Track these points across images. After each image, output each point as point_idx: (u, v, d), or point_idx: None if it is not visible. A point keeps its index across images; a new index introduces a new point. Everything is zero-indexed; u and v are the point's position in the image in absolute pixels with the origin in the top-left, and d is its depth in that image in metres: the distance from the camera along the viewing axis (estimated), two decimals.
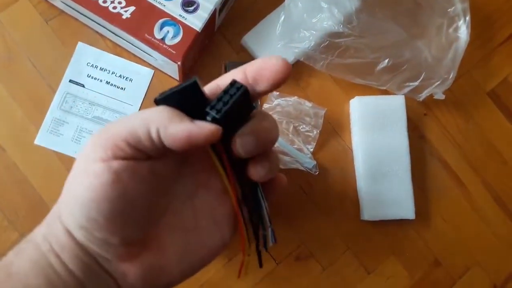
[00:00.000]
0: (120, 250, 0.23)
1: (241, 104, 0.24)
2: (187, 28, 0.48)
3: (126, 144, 0.22)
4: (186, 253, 0.26)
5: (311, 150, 0.52)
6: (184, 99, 0.23)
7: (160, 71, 0.53)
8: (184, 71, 0.50)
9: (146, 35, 0.48)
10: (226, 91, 0.23)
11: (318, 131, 0.53)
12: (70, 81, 0.52)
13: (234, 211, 0.26)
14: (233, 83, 0.24)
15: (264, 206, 0.27)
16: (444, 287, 0.53)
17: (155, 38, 0.48)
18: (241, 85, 0.24)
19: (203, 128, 0.22)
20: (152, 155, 0.23)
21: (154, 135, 0.22)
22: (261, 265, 0.28)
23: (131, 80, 0.53)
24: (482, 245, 0.54)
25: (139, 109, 0.52)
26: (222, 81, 0.25)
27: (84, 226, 0.22)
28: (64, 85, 0.52)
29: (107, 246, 0.23)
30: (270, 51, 0.53)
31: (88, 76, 0.52)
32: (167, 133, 0.22)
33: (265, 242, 0.27)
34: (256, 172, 0.25)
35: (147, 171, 0.23)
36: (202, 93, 0.24)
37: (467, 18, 0.52)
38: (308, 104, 0.53)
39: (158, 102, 0.24)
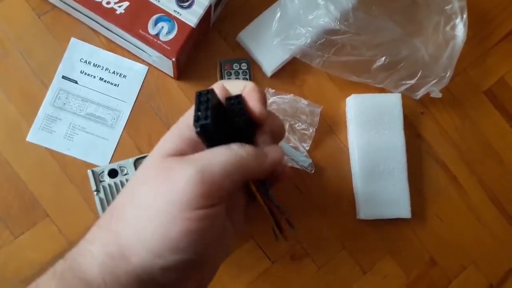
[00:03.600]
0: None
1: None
2: (182, 24, 0.47)
3: (227, 193, 0.25)
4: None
5: (307, 148, 0.52)
6: (215, 113, 0.25)
7: (155, 67, 0.52)
8: (179, 67, 0.49)
9: (140, 31, 0.47)
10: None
11: (314, 129, 0.52)
12: (63, 77, 0.51)
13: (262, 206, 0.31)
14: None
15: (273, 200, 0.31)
16: (440, 287, 0.53)
17: (149, 34, 0.47)
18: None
19: (279, 152, 0.28)
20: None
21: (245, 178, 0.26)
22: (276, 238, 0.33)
23: (125, 76, 0.52)
24: (478, 244, 0.54)
25: (132, 106, 0.51)
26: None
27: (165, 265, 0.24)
28: (57, 81, 0.51)
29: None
30: (266, 48, 0.52)
31: (81, 72, 0.51)
32: (262, 172, 0.27)
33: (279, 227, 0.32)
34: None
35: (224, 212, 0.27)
36: (219, 100, 0.27)
37: (464, 16, 0.51)
38: (304, 102, 0.52)
39: (203, 127, 0.25)
